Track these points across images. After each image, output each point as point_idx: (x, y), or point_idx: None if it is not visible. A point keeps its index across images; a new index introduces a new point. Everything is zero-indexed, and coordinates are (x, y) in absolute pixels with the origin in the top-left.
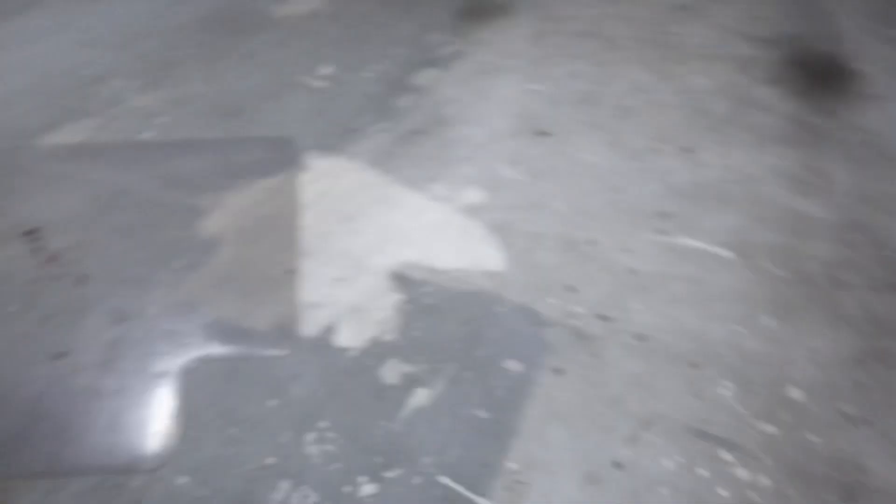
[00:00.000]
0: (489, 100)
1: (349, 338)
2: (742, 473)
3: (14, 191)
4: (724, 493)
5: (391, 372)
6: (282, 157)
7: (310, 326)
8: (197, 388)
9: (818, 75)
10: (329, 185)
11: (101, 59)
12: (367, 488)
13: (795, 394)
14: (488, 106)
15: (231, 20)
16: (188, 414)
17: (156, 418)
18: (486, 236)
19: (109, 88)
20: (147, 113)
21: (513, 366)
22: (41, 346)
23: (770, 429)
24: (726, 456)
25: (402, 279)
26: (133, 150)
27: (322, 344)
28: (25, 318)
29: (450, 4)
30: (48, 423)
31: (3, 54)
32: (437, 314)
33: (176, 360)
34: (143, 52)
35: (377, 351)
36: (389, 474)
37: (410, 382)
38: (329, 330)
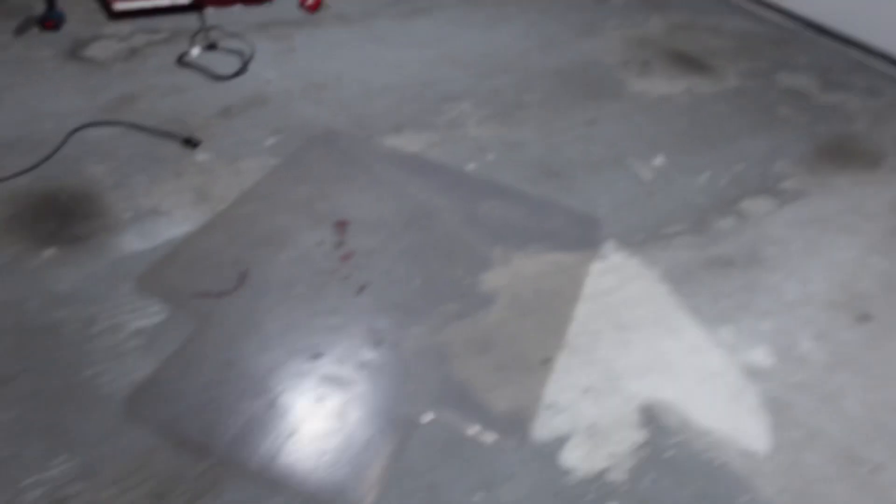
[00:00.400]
0: (818, 256)
1: (577, 459)
2: None
3: (346, 178)
4: None
5: None
6: (582, 235)
7: (543, 429)
8: (414, 448)
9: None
10: (616, 283)
11: (459, 79)
12: None
13: None
14: (814, 263)
15: (585, 80)
16: (395, 474)
17: (371, 463)
18: (758, 409)
19: (456, 110)
20: (479, 145)
21: None
22: (306, 339)
23: None
24: None
25: (651, 417)
26: (454, 176)
27: (548, 452)
28: (303, 305)
29: (814, 135)
30: (278, 420)
31: (386, 51)
32: (674, 474)
33: (407, 408)
34: (497, 86)
35: (599, 487)
36: None
37: None
38: (561, 441)
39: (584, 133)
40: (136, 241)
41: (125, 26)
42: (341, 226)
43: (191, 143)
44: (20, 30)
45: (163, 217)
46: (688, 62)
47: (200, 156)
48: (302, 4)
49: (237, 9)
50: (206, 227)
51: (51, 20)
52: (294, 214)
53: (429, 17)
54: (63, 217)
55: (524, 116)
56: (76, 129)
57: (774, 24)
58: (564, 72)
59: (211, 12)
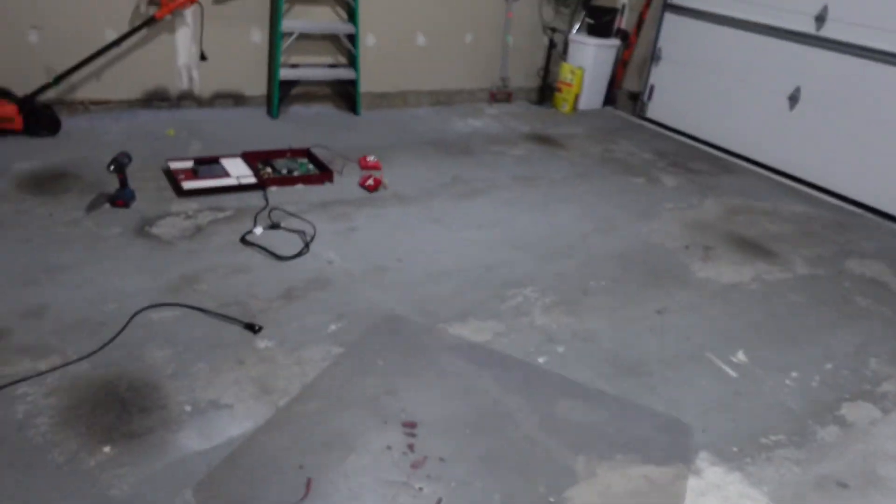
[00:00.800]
0: None
1: None
2: None
3: (411, 372)
4: None
5: None
6: (672, 444)
7: None
8: None
9: None
10: None
11: (520, 263)
12: None
13: None
14: None
15: (649, 265)
16: None
17: None
18: None
19: (520, 296)
20: (547, 335)
21: None
22: None
23: None
24: None
25: None
26: (525, 371)
27: None
28: None
29: None
30: None
31: (445, 232)
32: None
33: None
34: (560, 271)
35: None
36: None
37: None
38: None
39: (656, 323)
40: (196, 440)
41: (192, 203)
42: (410, 427)
43: (253, 328)
44: (92, 206)
45: (223, 412)
46: (750, 247)
47: (262, 342)
48: (362, 184)
49: (299, 188)
50: (268, 425)
51: (121, 199)
52: (360, 413)
53: (486, 197)
54: (122, 409)
55: (591, 304)
56: (139, 311)
57: (831, 206)
58: (626, 256)
59: (274, 191)
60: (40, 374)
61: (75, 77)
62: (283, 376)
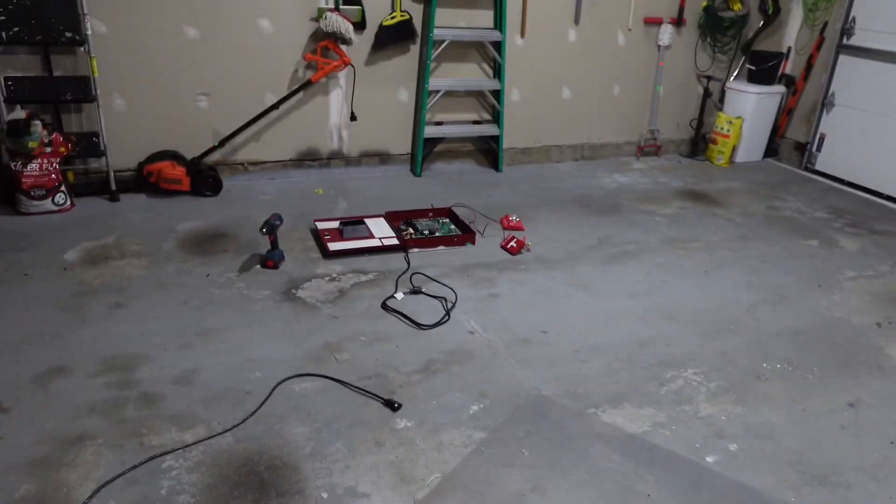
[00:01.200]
0: None
1: None
2: None
3: (561, 466)
4: None
5: None
6: None
7: None
8: None
9: None
10: None
11: (679, 339)
12: None
13: None
14: None
15: (832, 346)
16: None
17: None
18: None
19: (681, 379)
20: (716, 429)
21: None
22: None
23: None
24: None
25: None
26: (692, 473)
27: None
28: None
29: None
30: None
31: (592, 301)
32: None
33: None
34: (726, 350)
35: None
36: None
37: None
38: None
39: (848, 419)
40: None
41: (336, 265)
42: None
43: (392, 405)
44: (244, 268)
45: (361, 502)
46: None
47: (401, 422)
48: (504, 246)
49: (441, 250)
50: None
51: (271, 260)
52: None
53: (636, 261)
54: (260, 491)
55: (765, 392)
56: (282, 381)
57: None
58: (804, 333)
59: (416, 252)
60: (186, 446)
61: (237, 139)
62: (422, 463)
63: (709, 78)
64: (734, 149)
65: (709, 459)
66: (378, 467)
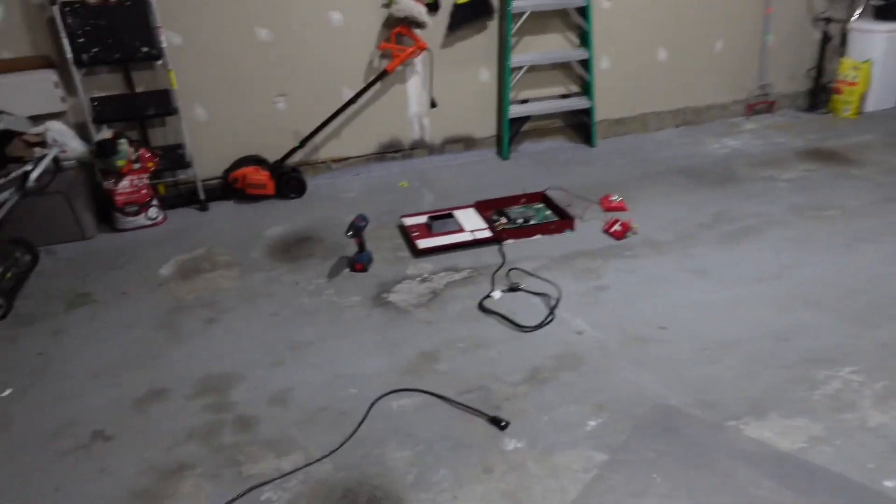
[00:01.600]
0: None
1: None
2: None
3: (703, 495)
4: None
5: None
6: None
7: None
8: None
9: None
10: None
11: (826, 330)
12: None
13: None
14: None
15: None
16: None
17: None
18: None
19: (837, 380)
20: (890, 443)
21: None
22: None
23: None
24: None
25: None
26: (867, 501)
27: None
28: None
29: None
30: None
31: (714, 288)
32: None
33: None
34: (889, 340)
35: None
36: None
37: None
38: None
39: None
40: None
41: (427, 264)
42: None
43: (498, 423)
44: (332, 273)
45: None
46: None
47: (510, 442)
48: (607, 230)
49: (538, 239)
50: None
51: (360, 263)
52: None
53: (759, 238)
54: None
55: None
56: (378, 398)
57: None
58: None
59: (510, 244)
60: (284, 475)
61: (318, 138)
62: (538, 492)
63: (827, 20)
64: (863, 97)
65: (887, 484)
66: (489, 498)
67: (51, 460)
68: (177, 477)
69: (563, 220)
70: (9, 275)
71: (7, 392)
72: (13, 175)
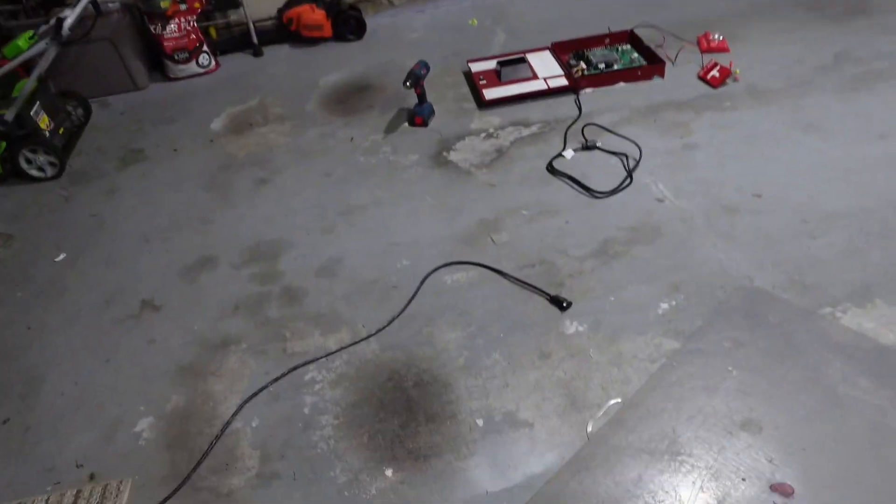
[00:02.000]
0: None
1: None
2: None
3: (784, 396)
4: None
5: None
6: None
7: None
8: None
9: None
10: None
11: None
12: None
13: None
14: None
15: None
16: None
17: None
18: None
19: None
20: None
21: None
22: None
23: None
24: None
25: None
26: None
27: None
28: None
29: None
30: None
31: (826, 146)
32: None
33: None
34: None
35: None
36: None
37: None
38: None
39: None
40: (488, 474)
41: (494, 117)
42: (784, 496)
43: (560, 303)
44: (390, 128)
45: (521, 433)
46: None
47: (571, 325)
48: (703, 76)
49: (620, 87)
50: (576, 463)
51: (419, 116)
52: (707, 461)
53: (889, 86)
54: (408, 414)
55: None
56: (430, 273)
57: None
58: None
59: (589, 93)
60: (329, 354)
61: None
62: (597, 383)
63: None
64: None
65: None
66: (543, 387)
67: (102, 331)
68: (222, 352)
69: (651, 65)
70: (62, 130)
71: (61, 257)
72: (46, 26)
